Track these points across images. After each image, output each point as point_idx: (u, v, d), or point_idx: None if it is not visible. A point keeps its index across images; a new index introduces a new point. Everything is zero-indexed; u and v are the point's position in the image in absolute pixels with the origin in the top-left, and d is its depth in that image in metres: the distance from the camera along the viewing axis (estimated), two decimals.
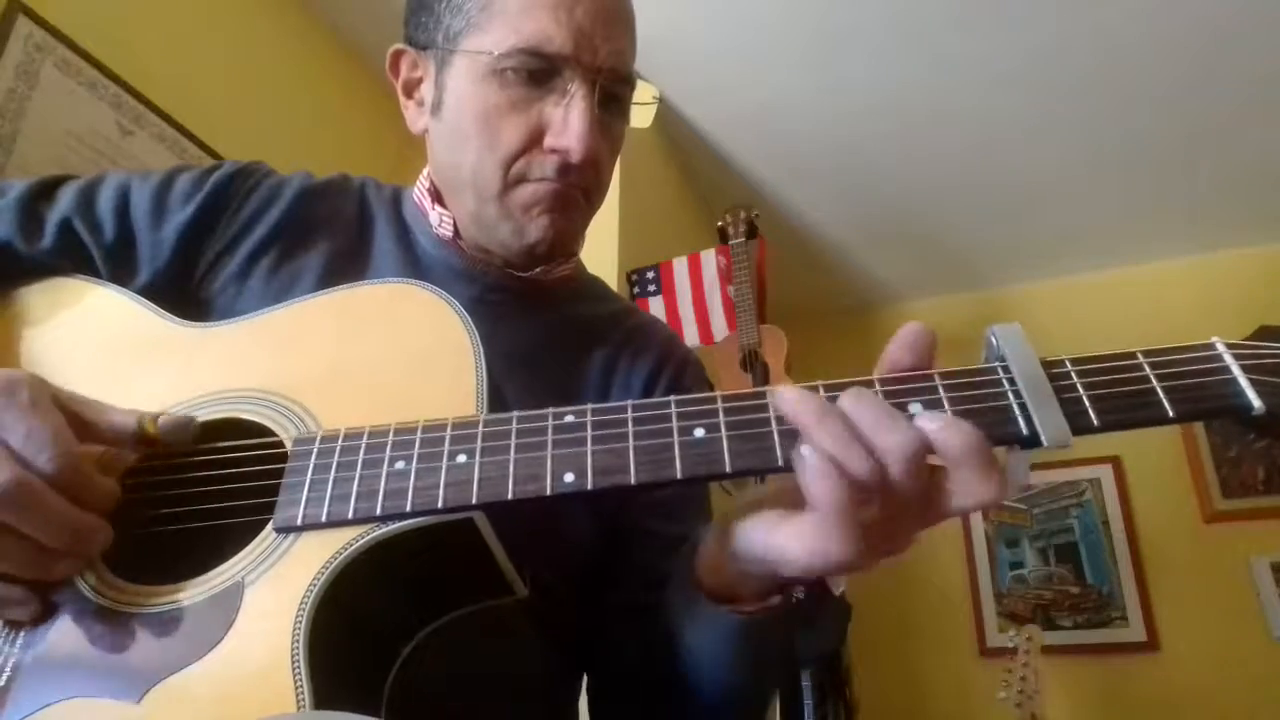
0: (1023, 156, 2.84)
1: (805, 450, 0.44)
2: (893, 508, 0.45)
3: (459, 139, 0.71)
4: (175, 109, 1.96)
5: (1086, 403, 0.47)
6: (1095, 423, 0.47)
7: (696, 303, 2.40)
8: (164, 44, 1.99)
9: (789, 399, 0.46)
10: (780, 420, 0.48)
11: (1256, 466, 2.90)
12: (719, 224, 2.50)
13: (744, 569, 0.51)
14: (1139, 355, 0.48)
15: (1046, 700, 2.24)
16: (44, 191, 0.71)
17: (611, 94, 0.70)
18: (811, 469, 0.43)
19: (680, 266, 2.42)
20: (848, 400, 0.45)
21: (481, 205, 0.71)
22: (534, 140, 0.68)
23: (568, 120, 0.67)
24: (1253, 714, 2.60)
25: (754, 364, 2.32)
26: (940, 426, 0.44)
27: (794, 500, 0.47)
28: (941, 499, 0.45)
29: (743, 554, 0.50)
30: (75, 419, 0.52)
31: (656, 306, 2.36)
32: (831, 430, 0.44)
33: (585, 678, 0.77)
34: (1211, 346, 0.49)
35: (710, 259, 2.43)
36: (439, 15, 0.72)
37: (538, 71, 0.67)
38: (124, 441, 0.54)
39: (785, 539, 0.46)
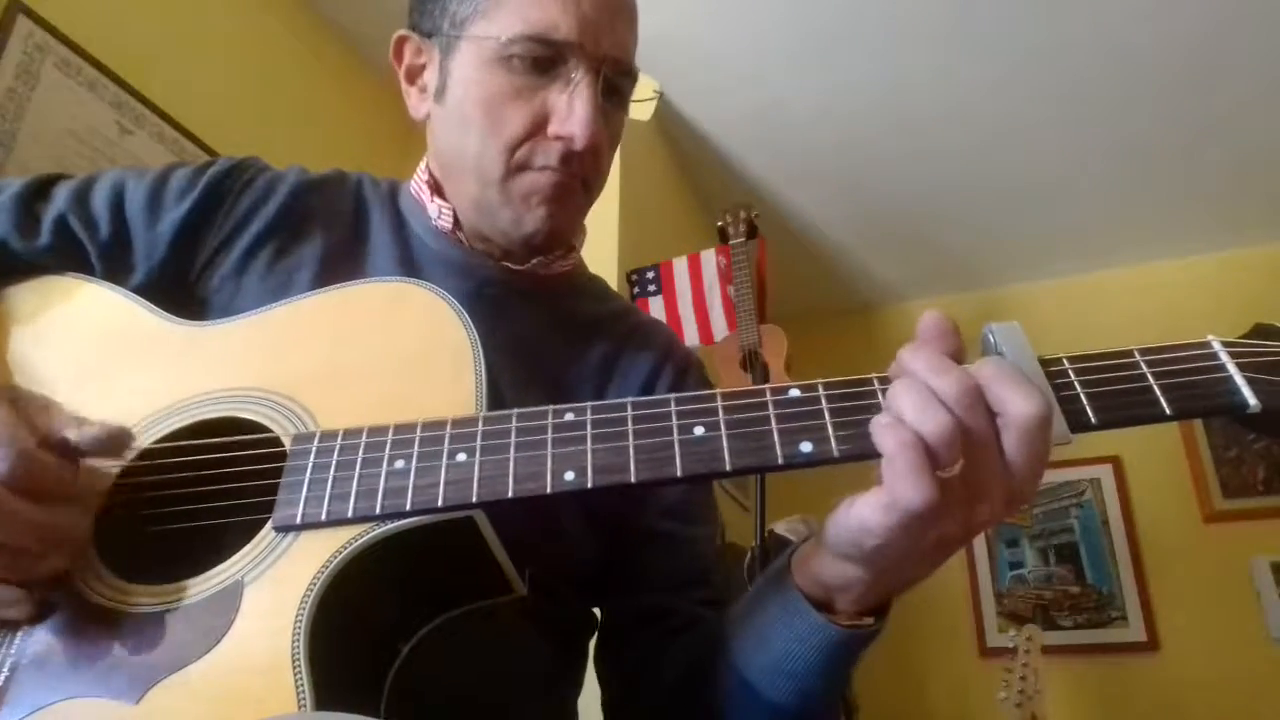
0: (1023, 156, 2.84)
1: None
2: (970, 458, 0.45)
3: (463, 124, 0.71)
4: (175, 109, 1.96)
5: (1084, 400, 0.47)
6: (1093, 420, 0.47)
7: (696, 303, 2.40)
8: (164, 44, 1.99)
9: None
10: (780, 419, 0.49)
11: (1256, 466, 2.90)
12: (719, 224, 2.49)
13: (843, 569, 0.51)
14: (1136, 353, 0.49)
15: (1046, 700, 2.24)
16: (40, 190, 0.71)
17: (613, 85, 0.71)
18: (878, 425, 0.46)
19: (680, 266, 2.41)
20: (904, 355, 0.48)
21: (484, 190, 0.72)
22: (538, 127, 0.69)
23: (572, 107, 0.68)
24: (1253, 714, 2.60)
25: (754, 364, 2.31)
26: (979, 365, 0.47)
27: None
28: (1004, 446, 0.45)
29: (841, 538, 0.49)
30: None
31: (656, 306, 2.35)
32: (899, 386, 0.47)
33: (584, 678, 0.77)
34: (1207, 345, 0.49)
35: (710, 259, 2.42)
36: (445, 2, 0.73)
37: (543, 59, 0.68)
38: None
39: (864, 504, 0.47)
